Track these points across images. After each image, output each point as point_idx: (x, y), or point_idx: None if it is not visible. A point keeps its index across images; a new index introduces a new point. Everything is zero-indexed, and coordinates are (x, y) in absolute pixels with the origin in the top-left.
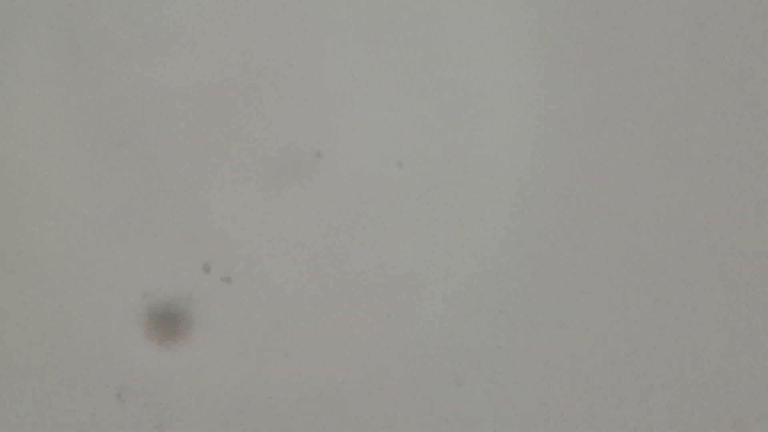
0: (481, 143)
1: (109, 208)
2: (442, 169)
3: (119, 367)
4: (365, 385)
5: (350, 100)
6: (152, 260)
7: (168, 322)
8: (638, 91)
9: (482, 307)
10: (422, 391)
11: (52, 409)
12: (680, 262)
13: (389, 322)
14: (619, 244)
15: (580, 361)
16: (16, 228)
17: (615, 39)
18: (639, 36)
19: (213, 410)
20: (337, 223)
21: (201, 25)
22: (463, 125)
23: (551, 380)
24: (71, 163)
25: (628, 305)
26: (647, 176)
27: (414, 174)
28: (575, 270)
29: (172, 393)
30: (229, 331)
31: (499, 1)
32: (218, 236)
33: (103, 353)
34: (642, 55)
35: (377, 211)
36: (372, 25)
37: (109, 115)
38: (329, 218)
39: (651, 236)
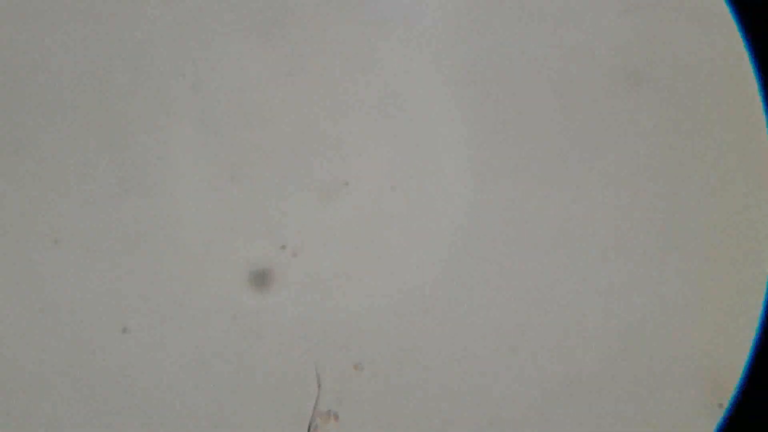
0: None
1: (225, 208)
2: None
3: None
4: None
5: (370, 146)
6: (247, 243)
7: (260, 279)
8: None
9: None
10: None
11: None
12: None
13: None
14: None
15: None
16: (157, 211)
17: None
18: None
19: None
20: (359, 234)
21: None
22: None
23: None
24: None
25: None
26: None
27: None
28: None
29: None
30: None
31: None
32: (288, 227)
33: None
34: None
35: (386, 224)
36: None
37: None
38: (355, 229)
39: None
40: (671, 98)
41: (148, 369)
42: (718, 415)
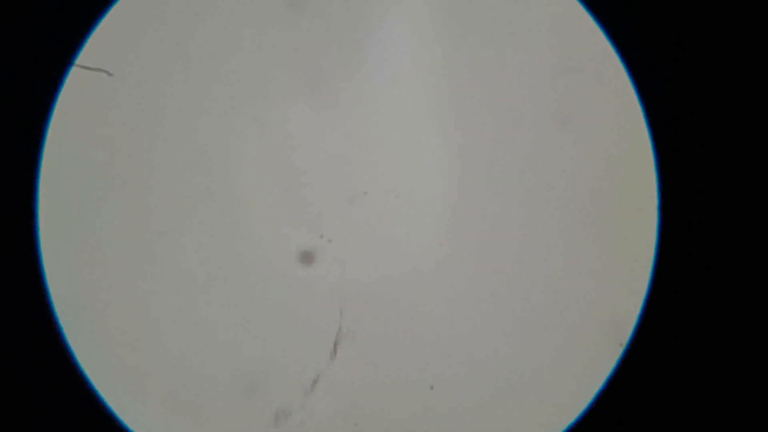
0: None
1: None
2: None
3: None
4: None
5: (385, 156)
6: (289, 231)
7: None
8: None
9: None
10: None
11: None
12: None
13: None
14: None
15: None
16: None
17: None
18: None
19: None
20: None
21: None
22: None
23: None
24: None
25: None
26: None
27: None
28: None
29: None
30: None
31: None
32: (324, 221)
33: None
34: None
35: (402, 222)
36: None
37: None
38: (371, 229)
39: None
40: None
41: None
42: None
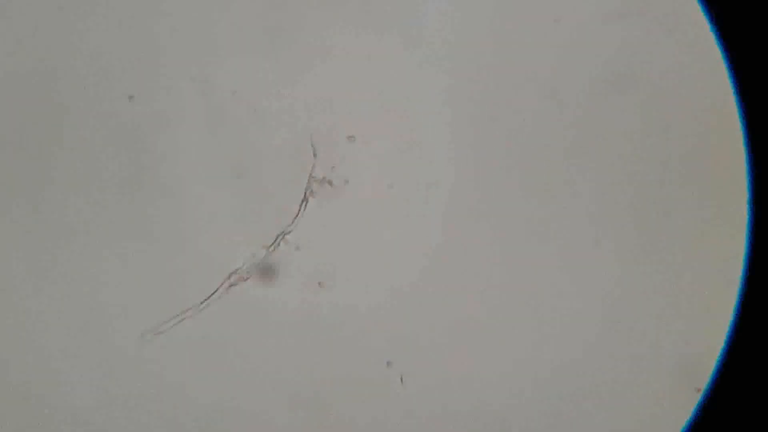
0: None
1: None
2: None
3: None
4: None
5: (362, 135)
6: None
7: (266, 271)
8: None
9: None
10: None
11: None
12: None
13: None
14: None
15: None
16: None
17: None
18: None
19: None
20: (358, 219)
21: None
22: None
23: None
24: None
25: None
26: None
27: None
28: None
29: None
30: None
31: None
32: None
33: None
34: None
35: (381, 213)
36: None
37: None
38: (354, 216)
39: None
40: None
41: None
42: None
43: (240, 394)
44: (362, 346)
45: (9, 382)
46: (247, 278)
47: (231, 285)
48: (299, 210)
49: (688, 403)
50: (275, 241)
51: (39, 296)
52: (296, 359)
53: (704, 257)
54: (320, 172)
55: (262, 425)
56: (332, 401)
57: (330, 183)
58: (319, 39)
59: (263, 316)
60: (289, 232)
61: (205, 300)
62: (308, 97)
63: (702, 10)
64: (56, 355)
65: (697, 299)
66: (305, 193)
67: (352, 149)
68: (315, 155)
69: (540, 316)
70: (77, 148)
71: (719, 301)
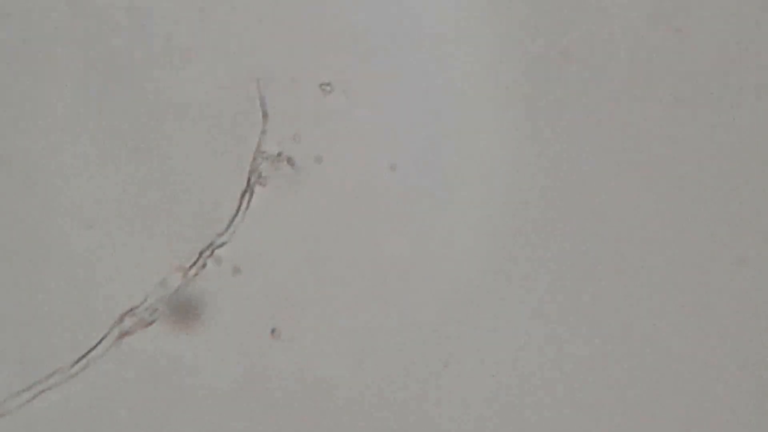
0: (470, 149)
1: (131, 206)
2: (432, 173)
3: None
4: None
5: (347, 110)
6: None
7: (183, 309)
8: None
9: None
10: (413, 374)
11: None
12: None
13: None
14: (604, 243)
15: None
16: (49, 222)
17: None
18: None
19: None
20: (333, 218)
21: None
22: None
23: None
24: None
25: (617, 303)
26: (633, 184)
27: (405, 176)
28: (559, 269)
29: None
30: (236, 315)
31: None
32: (227, 231)
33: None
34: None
35: (369, 208)
36: (367, 39)
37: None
38: (326, 214)
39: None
40: None
41: None
42: None
43: None
44: None
45: None
46: (150, 323)
47: (122, 334)
48: (238, 208)
49: None
50: (198, 259)
51: None
52: None
53: None
54: (273, 144)
55: None
56: None
57: (290, 162)
58: None
59: (174, 388)
60: (222, 244)
61: (80, 359)
62: (253, 21)
63: None
64: None
65: None
66: (249, 179)
67: (327, 105)
68: (265, 115)
69: None
70: None
71: None
